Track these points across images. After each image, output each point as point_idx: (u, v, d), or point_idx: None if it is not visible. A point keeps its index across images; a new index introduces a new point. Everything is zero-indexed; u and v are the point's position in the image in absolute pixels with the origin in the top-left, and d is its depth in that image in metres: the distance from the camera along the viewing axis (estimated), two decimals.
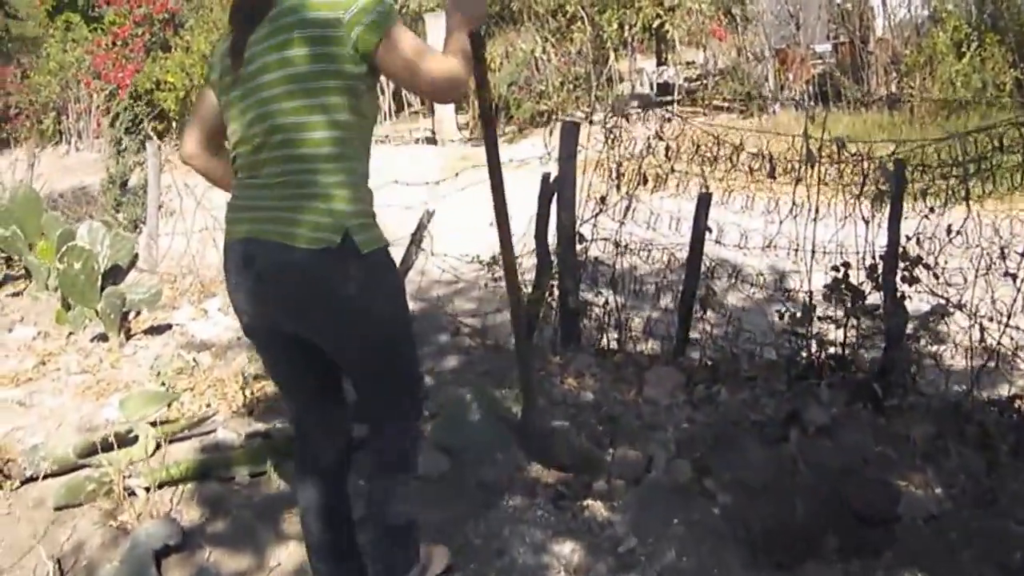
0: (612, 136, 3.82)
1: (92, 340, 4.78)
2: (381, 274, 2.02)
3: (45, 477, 3.17)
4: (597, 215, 3.87)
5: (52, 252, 4.79)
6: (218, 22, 16.80)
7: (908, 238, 3.34)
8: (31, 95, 16.92)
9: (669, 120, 3.81)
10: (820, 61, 13.59)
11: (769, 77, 13.12)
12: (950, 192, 3.41)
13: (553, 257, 3.97)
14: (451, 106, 14.39)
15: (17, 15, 16.08)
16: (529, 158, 4.15)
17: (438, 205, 4.62)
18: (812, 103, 12.53)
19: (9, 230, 5.60)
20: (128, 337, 4.82)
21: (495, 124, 2.41)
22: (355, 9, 1.90)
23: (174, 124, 17.10)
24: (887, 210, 3.37)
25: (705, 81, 14.46)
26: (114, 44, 16.36)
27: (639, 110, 3.85)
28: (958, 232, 3.26)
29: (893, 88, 12.63)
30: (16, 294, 5.97)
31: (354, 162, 1.99)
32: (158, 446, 3.33)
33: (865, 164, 3.46)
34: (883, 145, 3.71)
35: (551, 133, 3.89)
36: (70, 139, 16.65)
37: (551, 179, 3.91)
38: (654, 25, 13.86)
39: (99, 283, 4.58)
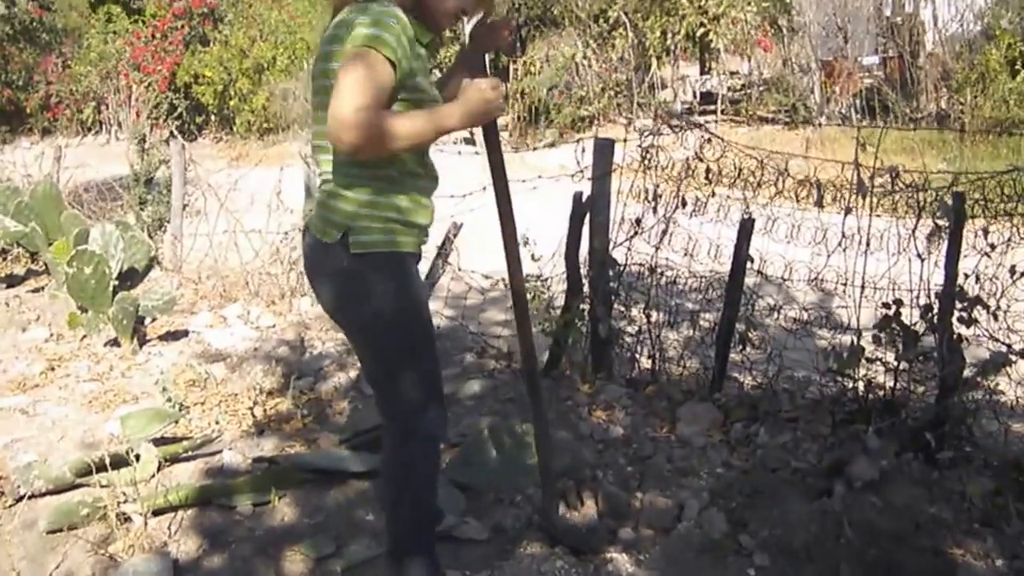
0: (649, 156, 3.59)
1: (105, 345, 4.66)
2: (369, 278, 2.10)
3: (39, 496, 3.03)
4: (632, 238, 3.64)
5: (67, 251, 4.67)
6: (257, 17, 16.81)
7: (966, 277, 3.08)
8: (72, 85, 17.05)
9: (709, 141, 3.56)
10: (867, 74, 13.24)
11: (815, 89, 12.79)
12: (1014, 229, 3.14)
13: (584, 280, 3.75)
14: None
15: (51, 7, 16.19)
16: (562, 176, 3.92)
17: (466, 218, 4.43)
18: (859, 117, 12.19)
19: (28, 226, 5.51)
20: (143, 343, 4.69)
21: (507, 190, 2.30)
22: (352, 27, 1.98)
23: (212, 118, 17.14)
24: (944, 246, 3.11)
25: (749, 91, 14.16)
26: (153, 37, 16.42)
27: (676, 128, 3.59)
28: (1022, 273, 3.00)
29: (943, 104, 12.27)
30: (37, 290, 5.89)
31: (372, 168, 2.05)
32: (159, 467, 3.17)
33: (921, 196, 3.20)
34: (940, 173, 3.44)
35: (583, 150, 3.66)
36: (110, 129, 16.73)
37: (583, 199, 3.69)
38: (698, 33, 13.58)
39: (110, 288, 4.44)
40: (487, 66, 2.25)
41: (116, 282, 4.55)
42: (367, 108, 1.86)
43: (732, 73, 15.05)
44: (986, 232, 2.98)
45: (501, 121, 14.58)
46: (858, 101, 12.43)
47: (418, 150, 2.11)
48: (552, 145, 12.69)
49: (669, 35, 13.92)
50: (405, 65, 1.99)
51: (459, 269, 4.56)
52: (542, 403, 2.58)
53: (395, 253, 2.11)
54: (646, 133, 3.58)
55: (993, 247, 2.97)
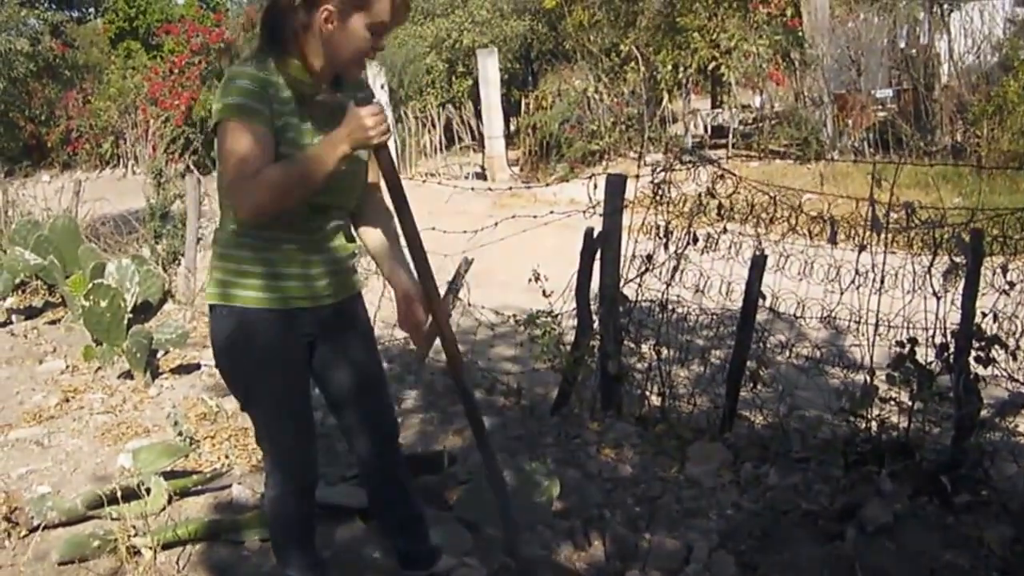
0: (661, 192, 3.60)
1: (119, 377, 4.69)
2: (215, 327, 2.14)
3: (52, 527, 3.04)
4: (643, 274, 3.64)
5: (83, 285, 4.72)
6: None
7: (984, 315, 3.05)
8: (92, 119, 17.32)
9: (722, 177, 3.57)
10: (881, 108, 13.23)
11: (828, 123, 12.79)
12: None
13: (595, 317, 3.75)
14: (501, 142, 14.36)
15: (75, 44, 16.53)
16: (573, 211, 3.93)
17: (476, 253, 4.45)
18: (872, 151, 12.17)
19: (47, 259, 5.57)
20: (155, 376, 4.71)
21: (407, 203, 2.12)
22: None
23: None
24: (961, 283, 3.08)
25: (761, 125, 14.18)
26: (171, 72, 16.69)
27: (688, 164, 3.59)
28: None
29: (959, 138, 12.21)
30: (54, 322, 5.94)
31: (224, 220, 2.10)
32: (169, 500, 3.17)
33: (937, 232, 3.18)
34: (957, 209, 3.43)
35: (595, 186, 3.67)
36: (127, 163, 16.96)
37: (595, 235, 3.69)
38: (709, 67, 13.66)
39: (125, 321, 4.48)
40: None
41: (131, 315, 4.59)
42: (233, 180, 1.92)
43: (744, 107, 15.10)
44: (1005, 269, 2.96)
45: (513, 155, 14.74)
46: (871, 135, 12.40)
47: (302, 207, 2.04)
48: (564, 180, 12.74)
49: (681, 69, 14.00)
50: (278, 123, 1.99)
51: (469, 304, 4.57)
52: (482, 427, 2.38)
53: (231, 307, 2.09)
54: (658, 169, 3.59)
55: (1012, 285, 2.94)
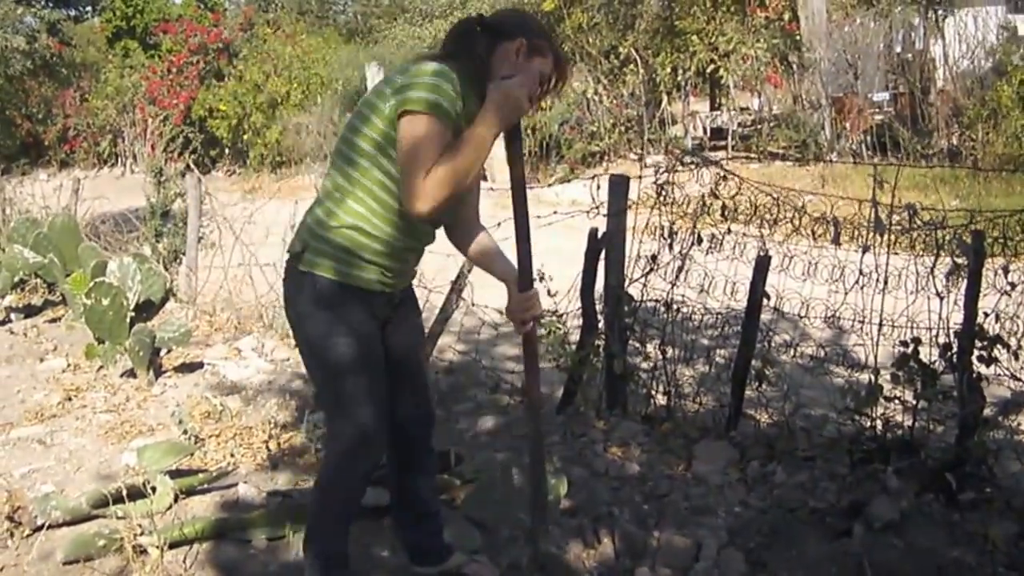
0: (664, 192, 3.61)
1: (121, 376, 4.68)
2: (307, 297, 2.19)
3: (56, 526, 3.04)
4: (647, 274, 3.65)
5: (84, 283, 4.71)
6: (271, 53, 17.04)
7: (986, 315, 3.07)
8: (89, 118, 17.29)
9: (725, 178, 3.58)
10: (878, 111, 13.27)
11: (825, 126, 12.83)
12: None
13: (600, 317, 3.75)
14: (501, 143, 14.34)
15: (72, 42, 16.51)
16: (577, 211, 3.94)
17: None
18: (870, 153, 12.21)
19: (47, 258, 5.56)
20: (158, 374, 4.71)
21: (526, 199, 2.27)
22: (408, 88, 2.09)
23: (226, 151, 17.33)
24: (963, 284, 3.10)
25: (759, 127, 14.21)
26: (169, 71, 16.67)
27: (691, 164, 3.61)
28: None
29: (954, 141, 12.27)
30: (54, 320, 5.93)
31: (363, 214, 2.18)
32: (175, 499, 3.17)
33: (939, 234, 3.20)
34: (959, 211, 3.45)
35: (598, 187, 3.68)
36: (125, 161, 16.94)
37: (599, 235, 3.70)
38: (708, 70, 13.68)
39: (128, 319, 4.47)
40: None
41: (133, 314, 4.58)
42: (426, 174, 2.00)
43: (742, 109, 15.13)
44: (1006, 270, 2.98)
45: None
46: (869, 138, 12.45)
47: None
48: (563, 181, 12.75)
49: (680, 71, 14.02)
50: (465, 124, 2.09)
51: (472, 304, 4.57)
52: (540, 425, 2.53)
53: (336, 282, 2.17)
54: (661, 170, 3.60)
55: (1013, 285, 2.97)
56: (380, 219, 2.16)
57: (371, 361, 2.26)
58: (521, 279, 2.31)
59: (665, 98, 14.44)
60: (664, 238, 3.62)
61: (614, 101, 14.16)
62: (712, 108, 16.05)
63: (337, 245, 2.16)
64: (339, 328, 2.20)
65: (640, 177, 3.69)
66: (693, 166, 3.65)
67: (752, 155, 13.15)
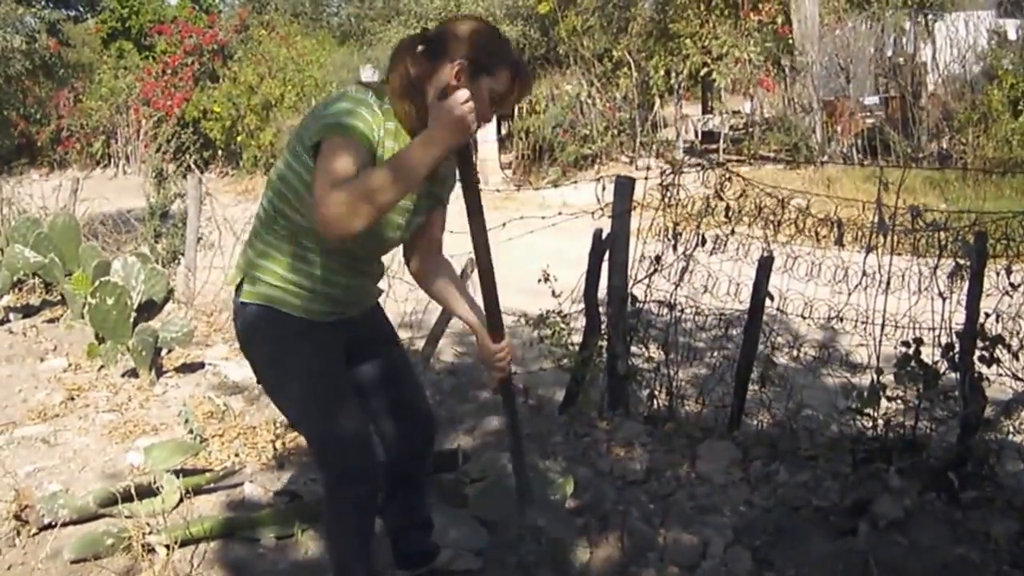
0: (668, 194, 3.64)
1: (123, 375, 4.68)
2: (254, 330, 2.16)
3: (63, 525, 3.04)
4: (651, 275, 3.68)
5: (87, 283, 4.71)
6: (266, 54, 17.02)
7: (987, 315, 3.11)
8: (83, 119, 17.23)
9: (729, 179, 3.62)
10: (869, 114, 13.37)
11: (817, 129, 12.90)
12: None
13: (603, 317, 3.78)
14: (494, 146, 14.37)
15: (70, 43, 16.47)
16: (580, 213, 3.97)
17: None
18: (861, 157, 12.29)
19: (47, 257, 5.55)
20: (160, 374, 4.71)
21: (485, 229, 2.09)
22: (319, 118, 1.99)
23: (219, 153, 17.30)
24: (965, 285, 3.14)
25: (751, 130, 14.29)
26: (164, 73, 16.63)
27: (696, 167, 3.64)
28: None
29: (945, 144, 12.37)
30: (52, 320, 5.91)
31: (293, 238, 2.12)
32: (181, 499, 3.18)
33: (941, 235, 3.23)
34: (962, 212, 3.49)
35: (603, 188, 3.72)
36: (118, 162, 16.89)
37: (603, 236, 3.73)
38: (701, 73, 13.75)
39: (131, 319, 4.48)
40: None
41: (135, 314, 4.58)
42: (334, 188, 1.82)
43: (734, 112, 15.20)
44: (1008, 271, 3.02)
45: (505, 159, 14.75)
46: (860, 141, 12.54)
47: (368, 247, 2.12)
48: (555, 184, 12.77)
49: (672, 74, 14.08)
50: (388, 148, 1.98)
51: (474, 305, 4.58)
52: (515, 406, 2.47)
53: (280, 312, 2.11)
54: (667, 172, 3.63)
55: (1015, 286, 3.00)
56: (316, 247, 2.08)
57: (338, 388, 2.21)
58: (491, 328, 2.19)
59: (658, 101, 14.50)
60: (668, 239, 3.64)
61: (607, 104, 14.22)
62: (704, 111, 16.11)
63: (280, 275, 2.11)
64: (300, 360, 2.15)
65: (646, 179, 3.71)
66: (699, 168, 3.68)
67: (743, 158, 13.22)
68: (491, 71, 1.97)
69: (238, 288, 2.16)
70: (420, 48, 2.01)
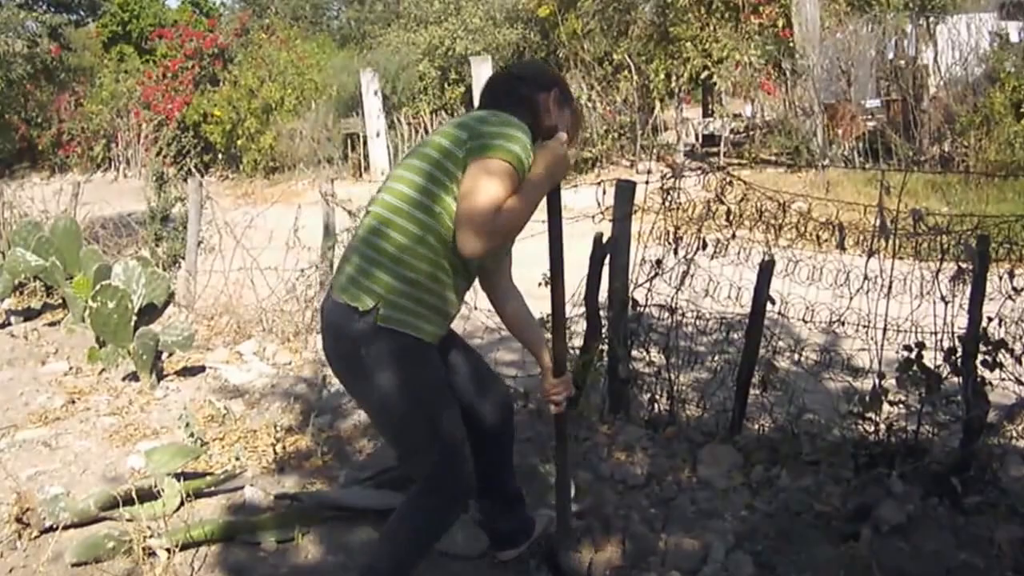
0: (669, 198, 3.63)
1: (124, 379, 4.68)
2: (386, 353, 2.16)
3: (64, 528, 3.04)
4: (652, 279, 3.67)
5: (88, 287, 4.71)
6: (266, 58, 17.04)
7: (990, 320, 3.11)
8: (83, 122, 17.25)
9: (730, 183, 3.61)
10: (870, 117, 13.36)
11: (818, 132, 12.90)
12: None
13: (604, 321, 3.77)
14: None
15: (71, 47, 16.51)
16: (580, 216, 3.96)
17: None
18: (862, 160, 12.29)
19: (49, 261, 5.56)
20: (160, 378, 4.71)
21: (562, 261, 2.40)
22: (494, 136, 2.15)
23: (220, 156, 17.32)
24: (968, 289, 3.14)
25: (751, 134, 14.28)
26: (164, 76, 16.65)
27: (697, 171, 3.64)
28: None
29: (946, 148, 12.35)
30: (53, 324, 5.92)
31: (428, 260, 2.20)
32: (182, 502, 3.18)
33: (943, 238, 3.23)
34: (965, 216, 3.48)
35: (604, 192, 3.71)
36: (118, 166, 16.91)
37: (604, 240, 3.73)
38: (701, 76, 13.75)
39: (132, 323, 4.48)
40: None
41: (136, 317, 4.58)
42: (493, 218, 2.02)
43: (735, 116, 15.20)
44: (1011, 275, 3.01)
45: None
46: (861, 144, 12.53)
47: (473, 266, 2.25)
48: None
49: (673, 78, 14.08)
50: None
51: (475, 307, 4.58)
52: (566, 441, 2.61)
53: (415, 338, 2.18)
54: (667, 176, 3.63)
55: (1018, 290, 3.00)
56: (451, 268, 2.18)
57: (451, 407, 2.30)
58: (556, 366, 2.43)
59: (658, 105, 14.50)
60: (669, 243, 3.64)
61: (607, 107, 14.21)
62: (705, 115, 16.12)
63: (419, 300, 2.17)
64: (421, 385, 2.22)
65: (647, 183, 3.71)
66: (699, 172, 3.68)
67: (744, 162, 13.22)
68: (569, 102, 2.33)
69: (366, 311, 2.15)
70: (554, 93, 2.30)
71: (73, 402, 4.39)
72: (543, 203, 2.26)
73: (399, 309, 2.15)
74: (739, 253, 3.59)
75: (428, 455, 2.27)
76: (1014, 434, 3.08)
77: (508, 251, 2.45)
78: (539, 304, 4.08)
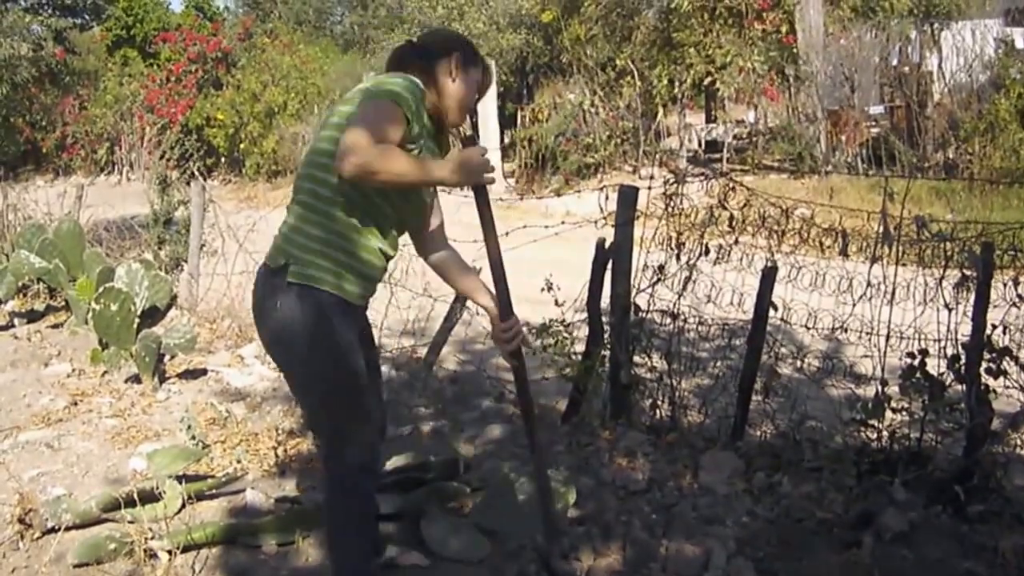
0: (672, 203, 3.63)
1: (126, 381, 4.68)
2: (298, 311, 2.18)
3: (67, 529, 3.04)
4: (654, 284, 3.67)
5: (91, 289, 4.72)
6: (269, 62, 17.08)
7: (994, 327, 3.10)
8: (87, 126, 17.30)
9: (733, 189, 3.61)
10: (874, 124, 13.35)
11: (821, 138, 12.90)
12: None
13: (606, 326, 3.77)
14: (497, 154, 14.40)
15: (76, 50, 16.56)
16: (583, 222, 3.97)
17: (483, 263, 4.47)
18: (865, 166, 12.28)
19: (52, 263, 5.56)
20: (163, 380, 4.71)
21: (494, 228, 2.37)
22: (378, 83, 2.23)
23: (223, 160, 17.35)
24: (972, 296, 3.13)
25: (755, 140, 14.28)
26: (168, 80, 16.70)
27: (700, 177, 3.64)
28: None
29: (950, 154, 12.33)
30: (56, 326, 5.93)
31: (339, 221, 2.24)
32: (183, 504, 3.17)
33: (947, 245, 3.22)
34: (969, 223, 3.48)
35: (607, 197, 3.71)
36: (122, 169, 16.95)
37: (606, 245, 3.73)
38: (704, 82, 13.76)
39: (135, 325, 4.49)
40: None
41: (138, 320, 4.58)
42: (370, 139, 2.03)
43: (738, 122, 15.20)
44: (1016, 282, 3.00)
45: (508, 168, 14.75)
46: (864, 151, 12.51)
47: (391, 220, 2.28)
48: (558, 193, 12.77)
49: (676, 84, 14.09)
50: (416, 128, 2.19)
51: (477, 313, 4.58)
52: (540, 445, 2.61)
53: (330, 294, 2.20)
54: (670, 181, 3.63)
55: (1022, 298, 2.99)
56: (362, 226, 2.22)
57: (363, 376, 2.31)
58: (501, 309, 2.40)
59: (661, 110, 14.51)
60: (671, 249, 3.64)
61: (610, 113, 14.22)
62: (708, 121, 16.12)
63: (333, 258, 2.21)
64: (338, 344, 2.23)
65: (650, 188, 3.71)
66: (702, 177, 3.68)
67: (747, 168, 13.22)
68: (475, 62, 2.37)
69: (279, 270, 2.20)
70: (414, 53, 2.34)
71: (76, 404, 4.39)
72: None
73: (310, 266, 2.18)
74: (742, 259, 3.59)
75: (339, 440, 2.31)
76: (1018, 442, 3.07)
77: (436, 210, 2.47)
78: (538, 309, 4.11)
